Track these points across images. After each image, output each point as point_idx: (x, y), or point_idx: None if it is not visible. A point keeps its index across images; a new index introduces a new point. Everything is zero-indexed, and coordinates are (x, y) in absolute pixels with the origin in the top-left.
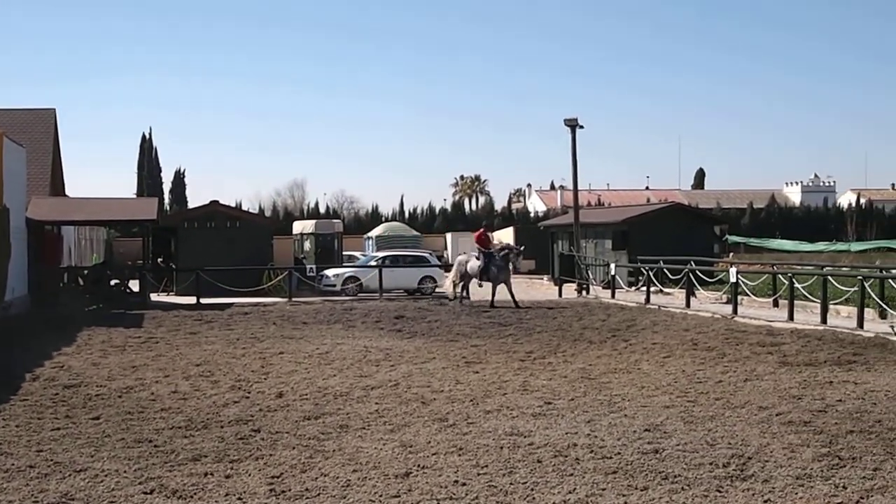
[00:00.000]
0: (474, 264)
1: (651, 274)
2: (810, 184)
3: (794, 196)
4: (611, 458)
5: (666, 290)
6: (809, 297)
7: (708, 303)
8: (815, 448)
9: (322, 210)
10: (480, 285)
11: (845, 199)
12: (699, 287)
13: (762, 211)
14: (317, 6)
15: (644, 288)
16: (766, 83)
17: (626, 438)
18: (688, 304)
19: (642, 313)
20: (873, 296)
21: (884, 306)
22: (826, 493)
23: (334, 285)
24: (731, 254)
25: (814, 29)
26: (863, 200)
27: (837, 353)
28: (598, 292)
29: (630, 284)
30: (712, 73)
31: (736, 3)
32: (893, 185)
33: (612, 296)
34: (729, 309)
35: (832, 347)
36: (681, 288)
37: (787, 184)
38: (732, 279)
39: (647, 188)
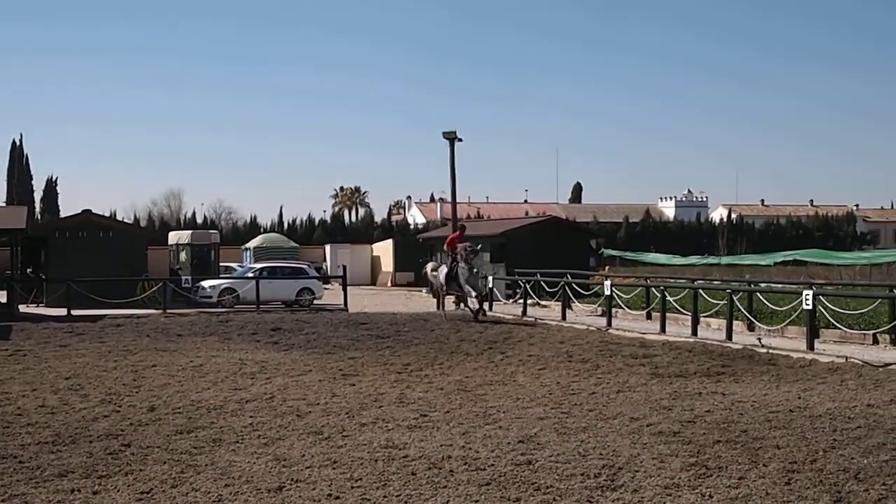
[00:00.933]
0: (441, 273)
1: (528, 286)
2: (684, 199)
3: (669, 211)
4: (484, 469)
5: (543, 302)
6: (681, 309)
7: (583, 315)
8: (683, 458)
9: (199, 220)
10: (458, 305)
11: (717, 214)
12: (575, 300)
13: (637, 225)
14: (188, 9)
15: (521, 300)
16: (642, 99)
17: (500, 450)
18: (564, 317)
19: (519, 326)
20: (741, 309)
21: (752, 319)
22: (693, 501)
23: (210, 297)
24: (607, 267)
25: (688, 42)
26: (734, 215)
27: (707, 365)
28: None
29: (508, 297)
30: (589, 87)
31: (621, 9)
32: (763, 200)
33: (490, 308)
34: (604, 321)
35: (702, 359)
36: (557, 300)
37: (661, 199)
38: (607, 292)
39: (525, 201)
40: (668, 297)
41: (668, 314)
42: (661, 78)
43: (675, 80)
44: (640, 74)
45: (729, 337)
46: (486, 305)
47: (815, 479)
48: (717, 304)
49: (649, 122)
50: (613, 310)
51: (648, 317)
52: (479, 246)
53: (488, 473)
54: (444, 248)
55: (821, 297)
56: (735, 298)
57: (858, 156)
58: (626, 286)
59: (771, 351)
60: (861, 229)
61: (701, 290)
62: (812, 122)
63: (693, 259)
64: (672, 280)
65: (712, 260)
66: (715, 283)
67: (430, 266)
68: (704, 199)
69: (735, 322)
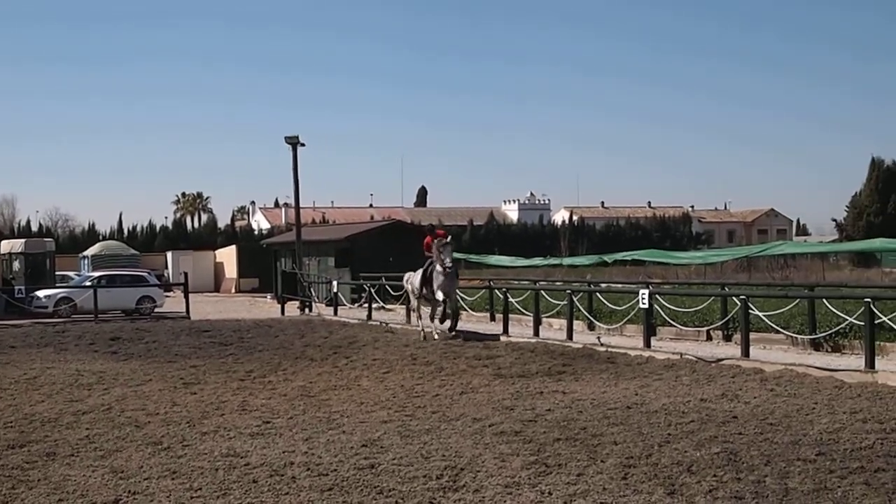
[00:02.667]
0: (415, 280)
1: (373, 290)
2: (527, 202)
3: (512, 213)
4: (327, 475)
5: (388, 306)
6: (523, 310)
7: (428, 318)
8: (524, 456)
9: (34, 228)
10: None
11: (559, 217)
12: None
13: (482, 228)
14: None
15: (366, 304)
16: (484, 102)
17: (343, 455)
18: (408, 320)
19: (364, 330)
20: (582, 309)
21: (591, 319)
22: (533, 499)
23: (46, 307)
24: None
25: (525, 55)
26: (575, 217)
27: (548, 365)
28: (321, 310)
29: (353, 301)
30: (431, 91)
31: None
32: (603, 202)
33: (335, 313)
34: (448, 324)
35: (543, 359)
36: (402, 304)
37: (505, 202)
38: None
39: (371, 206)
40: (511, 299)
41: (511, 315)
42: (499, 80)
43: (515, 81)
44: (480, 77)
45: (570, 336)
46: (451, 320)
47: (651, 472)
48: (559, 304)
49: (492, 125)
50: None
51: (492, 318)
52: (450, 238)
53: (331, 479)
54: (425, 252)
55: (657, 295)
56: (575, 299)
57: (694, 159)
58: (470, 288)
59: (610, 349)
60: (696, 230)
61: (542, 291)
62: (648, 127)
63: (536, 260)
64: (515, 282)
65: (554, 261)
66: (556, 283)
67: (408, 276)
68: (547, 201)
69: (576, 322)
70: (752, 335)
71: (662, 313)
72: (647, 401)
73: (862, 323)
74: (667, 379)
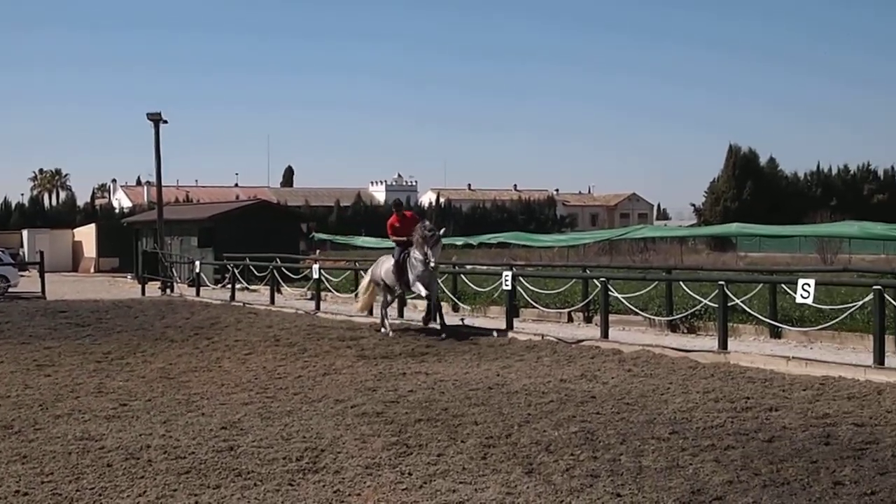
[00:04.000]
0: (388, 266)
1: (237, 271)
2: (394, 183)
3: (379, 195)
4: (185, 458)
5: (252, 287)
6: None
7: (293, 299)
8: (385, 437)
9: None
10: (399, 295)
11: (426, 198)
12: (284, 284)
13: (349, 209)
14: None
15: (230, 285)
16: (352, 83)
17: (201, 437)
18: (272, 301)
19: (227, 311)
20: (446, 290)
21: (455, 300)
22: (392, 480)
23: None
24: (318, 251)
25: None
26: (442, 199)
27: (412, 346)
28: (183, 290)
29: (216, 282)
30: (301, 73)
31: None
32: (470, 185)
33: (197, 294)
34: (313, 305)
35: (407, 340)
36: (266, 285)
37: (372, 182)
38: (315, 276)
39: (236, 185)
40: None
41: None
42: (365, 59)
43: (380, 60)
44: (344, 56)
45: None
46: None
47: (510, 452)
48: None
49: (362, 106)
50: (323, 293)
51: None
52: (443, 230)
53: (188, 461)
54: (391, 238)
55: (520, 277)
56: (440, 280)
57: (559, 144)
58: (336, 269)
59: (473, 330)
60: (561, 213)
61: None
62: (515, 110)
63: None
64: None
65: None
66: None
67: (377, 261)
68: (414, 183)
69: (442, 303)
70: (612, 317)
71: (525, 295)
72: (508, 381)
73: (716, 305)
74: (528, 360)
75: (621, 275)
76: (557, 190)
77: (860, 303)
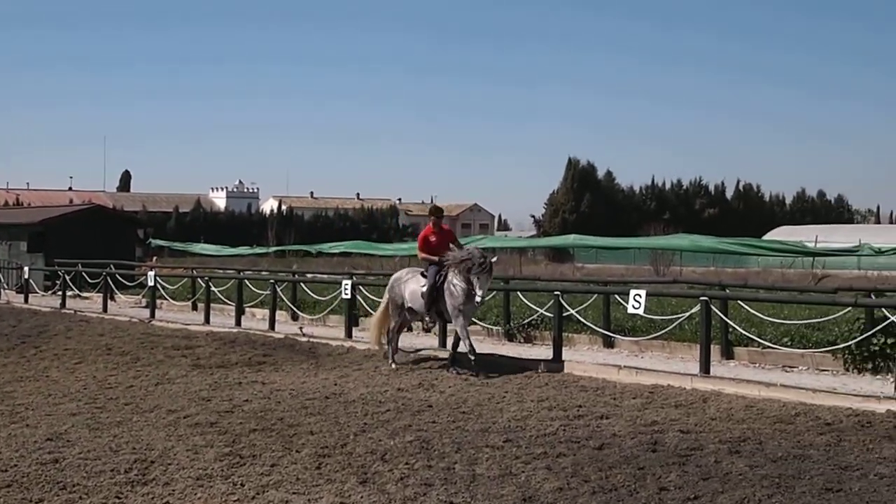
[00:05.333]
0: (416, 288)
1: (68, 278)
2: (235, 189)
3: (220, 201)
4: (6, 471)
5: (84, 294)
6: (226, 300)
7: (127, 307)
8: (218, 448)
9: None
10: (429, 328)
11: (268, 206)
12: (118, 291)
13: (188, 215)
14: None
15: (60, 292)
16: (189, 88)
17: (25, 450)
18: (105, 309)
19: (57, 318)
20: (285, 299)
21: (294, 309)
22: (224, 491)
23: None
24: (155, 258)
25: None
26: (284, 207)
27: (249, 355)
28: (10, 297)
29: (46, 289)
30: (136, 75)
31: None
32: (312, 193)
33: (26, 300)
34: (147, 313)
35: (244, 349)
36: (99, 292)
37: (213, 189)
38: (151, 283)
39: (70, 189)
40: (213, 288)
41: (213, 305)
42: (204, 65)
43: (218, 72)
44: (184, 60)
45: (272, 327)
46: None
47: (345, 461)
48: (263, 294)
49: (204, 110)
50: (158, 301)
51: (194, 307)
52: (496, 258)
53: (10, 475)
54: (420, 253)
55: (360, 286)
56: (279, 289)
57: (401, 151)
58: (172, 277)
59: (312, 340)
60: (403, 222)
61: (246, 281)
62: (357, 119)
63: (242, 249)
64: (220, 270)
65: (260, 250)
66: (263, 273)
67: (396, 276)
68: (256, 190)
69: (279, 312)
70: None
71: (365, 304)
72: (345, 391)
73: (552, 315)
74: (366, 369)
75: None
76: (400, 199)
77: (688, 313)
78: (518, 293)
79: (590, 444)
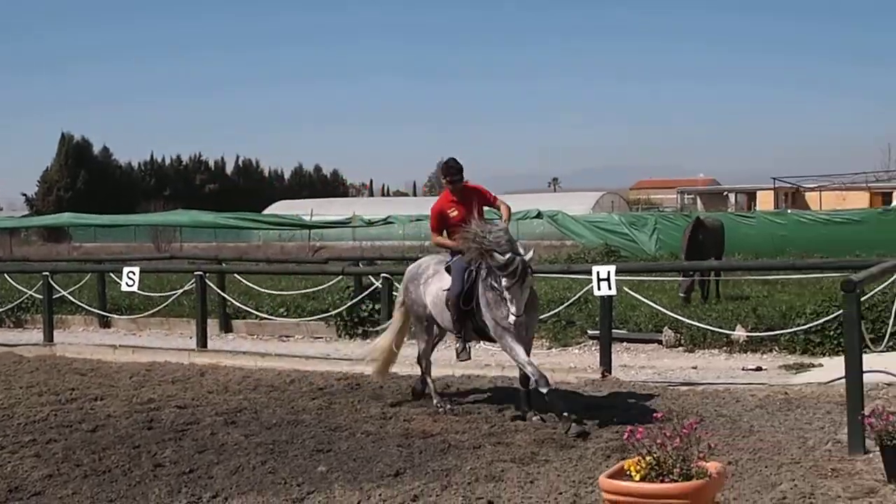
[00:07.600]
0: (440, 288)
1: None
2: None
3: None
4: None
5: None
6: None
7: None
8: None
9: None
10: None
11: None
12: None
13: None
14: None
15: None
16: None
17: None
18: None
19: None
20: None
21: None
22: None
23: None
24: None
25: None
26: None
27: None
28: None
29: None
30: None
31: None
32: None
33: None
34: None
35: None
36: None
37: None
38: None
39: None
40: None
41: None
42: None
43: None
44: None
45: None
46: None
47: None
48: None
49: None
50: None
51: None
52: (532, 252)
53: None
54: (434, 237)
55: None
56: None
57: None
58: None
59: None
60: None
61: None
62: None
63: None
64: None
65: None
66: None
67: (414, 269)
68: None
69: None
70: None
71: None
72: None
73: (41, 296)
74: None
75: None
76: None
77: (183, 289)
78: (5, 275)
79: (83, 427)
